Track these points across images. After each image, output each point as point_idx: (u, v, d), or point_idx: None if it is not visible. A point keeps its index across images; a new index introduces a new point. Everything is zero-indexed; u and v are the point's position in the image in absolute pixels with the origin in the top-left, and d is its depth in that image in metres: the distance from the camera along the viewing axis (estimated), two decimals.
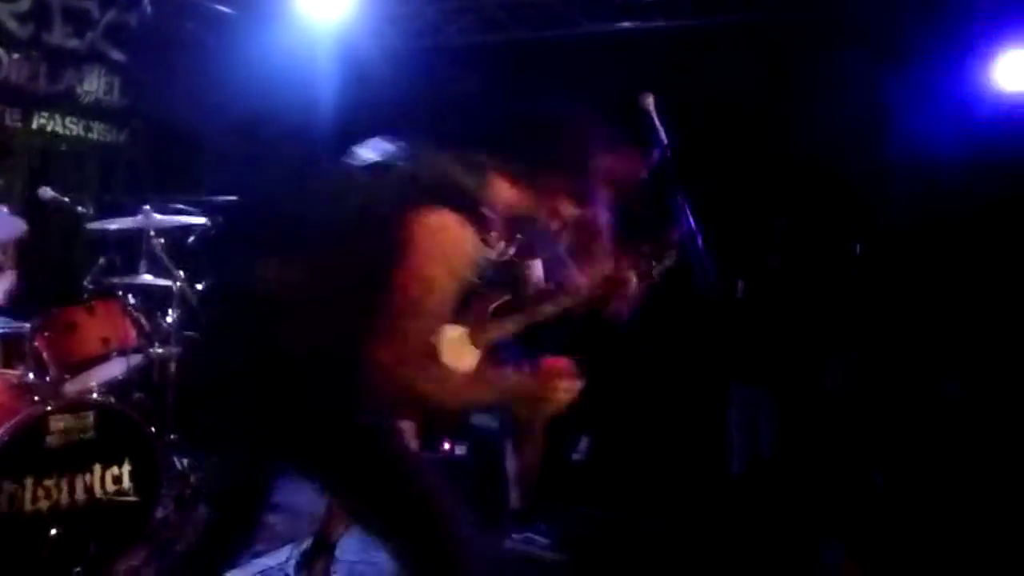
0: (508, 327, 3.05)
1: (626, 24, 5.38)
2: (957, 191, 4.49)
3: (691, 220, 3.06)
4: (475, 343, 2.97)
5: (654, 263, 3.22)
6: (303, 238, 1.87)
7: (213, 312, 1.95)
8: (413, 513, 1.81)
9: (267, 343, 1.78)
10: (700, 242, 3.06)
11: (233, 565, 2.23)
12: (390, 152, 1.95)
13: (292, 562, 2.97)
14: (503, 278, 2.95)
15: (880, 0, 4.71)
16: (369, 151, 1.98)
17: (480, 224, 1.81)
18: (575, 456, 4.94)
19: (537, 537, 3.50)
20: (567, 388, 1.91)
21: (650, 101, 2.92)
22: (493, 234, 1.89)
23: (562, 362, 1.96)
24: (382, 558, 3.17)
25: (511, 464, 3.46)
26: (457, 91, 5.45)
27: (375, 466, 1.83)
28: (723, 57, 4.98)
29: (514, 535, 3.50)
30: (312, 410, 1.79)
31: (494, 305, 3.04)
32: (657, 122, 2.91)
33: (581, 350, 3.88)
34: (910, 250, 4.69)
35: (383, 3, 5.54)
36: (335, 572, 3.01)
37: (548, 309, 3.07)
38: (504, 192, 1.92)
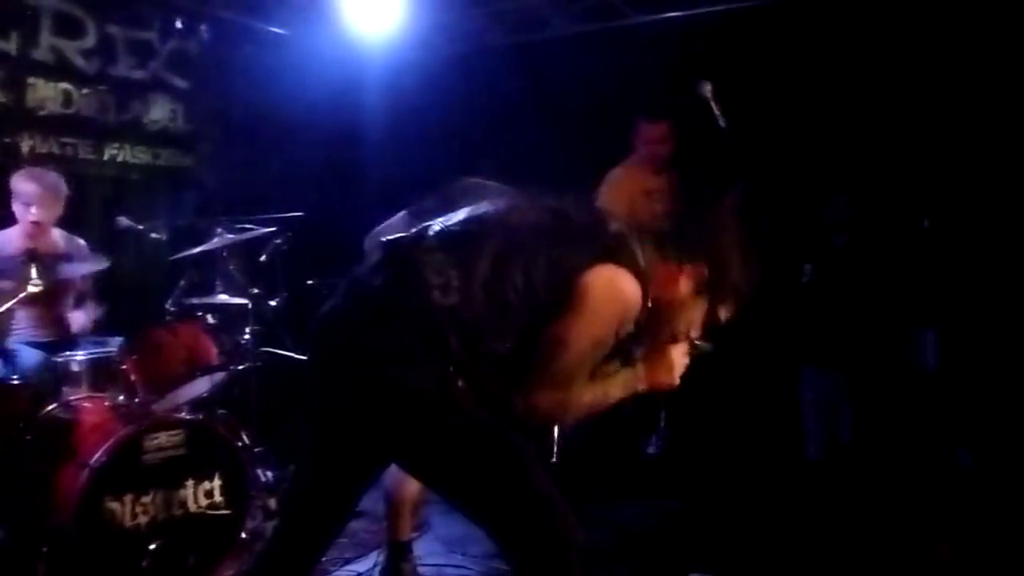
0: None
1: (673, 13, 5.34)
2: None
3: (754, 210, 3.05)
4: None
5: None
6: (480, 260, 1.89)
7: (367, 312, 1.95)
8: (528, 516, 1.83)
9: (438, 350, 1.83)
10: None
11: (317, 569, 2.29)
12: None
13: (378, 568, 3.03)
14: None
15: None
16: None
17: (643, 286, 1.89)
18: (649, 450, 4.92)
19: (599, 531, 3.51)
20: (680, 362, 2.06)
21: (708, 89, 2.92)
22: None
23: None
24: (469, 560, 3.26)
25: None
26: (506, 92, 5.47)
27: (494, 464, 1.86)
28: (770, 39, 4.91)
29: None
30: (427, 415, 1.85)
31: None
32: (716, 110, 2.91)
33: None
34: (980, 222, 4.56)
35: (429, 12, 5.59)
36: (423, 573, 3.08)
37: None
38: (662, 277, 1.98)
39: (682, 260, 2.00)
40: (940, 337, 4.49)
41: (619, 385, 2.03)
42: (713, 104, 2.91)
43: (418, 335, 1.83)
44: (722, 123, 2.90)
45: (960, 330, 4.45)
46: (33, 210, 3.50)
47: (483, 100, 5.59)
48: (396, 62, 5.76)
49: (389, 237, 2.03)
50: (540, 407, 1.87)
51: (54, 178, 3.65)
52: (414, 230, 2.01)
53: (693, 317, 2.05)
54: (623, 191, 4.32)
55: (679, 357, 2.07)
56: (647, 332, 2.04)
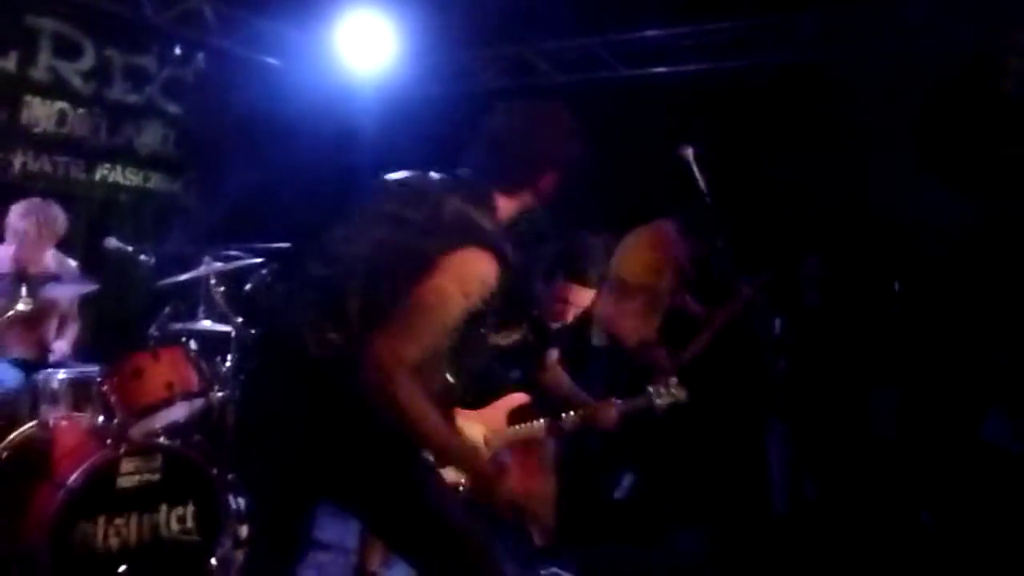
0: (523, 433, 2.98)
1: (660, 69, 5.49)
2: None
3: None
4: (487, 444, 2.90)
5: None
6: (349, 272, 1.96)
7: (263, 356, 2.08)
8: (451, 548, 1.93)
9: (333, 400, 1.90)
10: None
11: None
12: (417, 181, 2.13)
13: None
14: (521, 360, 3.02)
15: None
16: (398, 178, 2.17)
17: (503, 260, 1.95)
18: (617, 494, 4.98)
19: (562, 572, 3.56)
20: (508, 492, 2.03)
21: (690, 152, 3.04)
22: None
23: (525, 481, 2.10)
24: None
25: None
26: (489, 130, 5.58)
27: (416, 503, 1.95)
28: (750, 99, 5.08)
29: (541, 571, 3.56)
30: (360, 446, 1.92)
31: (514, 405, 2.98)
32: (697, 172, 3.02)
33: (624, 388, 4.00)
34: (950, 286, 4.71)
35: (421, 52, 5.73)
36: None
37: (573, 420, 3.02)
38: (504, 206, 2.08)
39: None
40: (903, 397, 4.63)
41: (457, 444, 2.15)
42: (694, 167, 3.02)
43: (315, 390, 1.92)
44: (703, 185, 3.01)
45: (922, 391, 4.59)
46: (19, 247, 3.58)
47: (470, 137, 5.68)
48: (386, 97, 5.87)
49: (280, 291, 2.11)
50: (375, 352, 1.84)
51: (54, 213, 3.70)
52: (294, 284, 2.11)
53: None
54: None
55: (508, 490, 2.06)
56: None
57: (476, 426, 2.85)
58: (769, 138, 4.98)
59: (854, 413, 4.60)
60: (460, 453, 2.11)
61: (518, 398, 2.98)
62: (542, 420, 2.98)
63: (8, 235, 3.65)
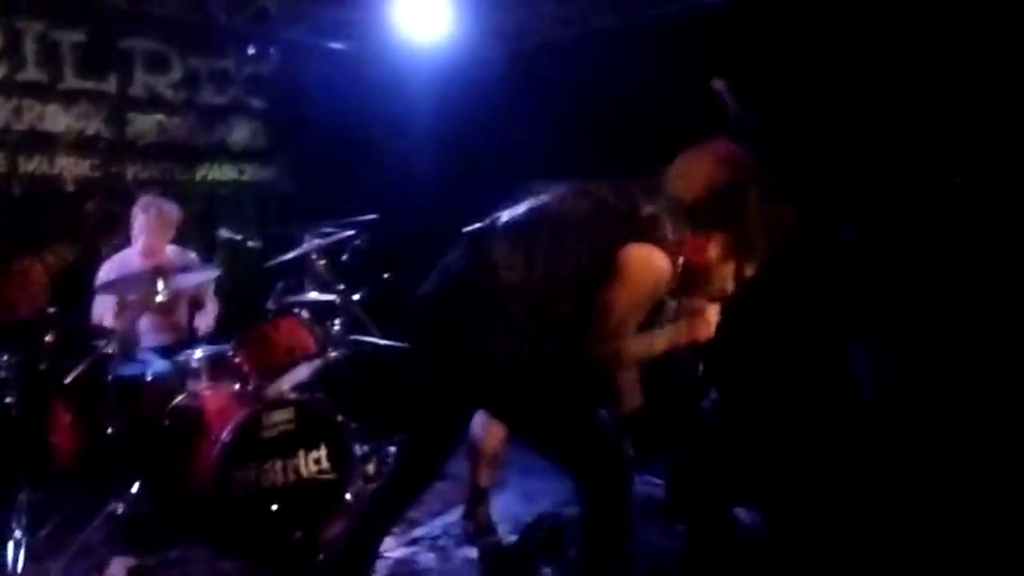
0: None
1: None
2: None
3: None
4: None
5: None
6: (538, 243, 2.36)
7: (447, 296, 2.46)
8: (591, 445, 2.34)
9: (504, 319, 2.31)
10: None
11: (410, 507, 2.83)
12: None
13: (443, 537, 3.50)
14: None
15: None
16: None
17: (674, 257, 2.32)
18: (705, 404, 5.24)
19: (654, 479, 3.89)
20: (713, 317, 2.48)
21: (721, 84, 3.27)
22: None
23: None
24: (541, 510, 3.70)
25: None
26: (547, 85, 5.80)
27: (564, 406, 2.37)
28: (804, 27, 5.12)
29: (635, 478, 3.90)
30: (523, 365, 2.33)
31: None
32: (732, 103, 3.24)
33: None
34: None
35: (472, 20, 5.96)
36: (501, 522, 3.54)
37: None
38: (693, 246, 2.38)
39: (710, 230, 2.39)
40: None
41: (663, 338, 2.46)
42: (727, 98, 3.24)
43: (490, 306, 2.32)
44: (736, 114, 3.22)
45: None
46: (146, 238, 4.11)
47: (531, 93, 5.94)
48: (446, 63, 6.10)
49: (468, 229, 2.50)
50: (594, 358, 2.31)
51: (168, 205, 4.23)
52: (486, 222, 2.48)
53: (724, 277, 2.46)
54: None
55: (713, 315, 2.50)
56: (686, 293, 2.47)
57: None
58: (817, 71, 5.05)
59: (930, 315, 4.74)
60: (668, 343, 2.47)
61: None
62: None
63: (134, 232, 4.18)
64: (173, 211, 4.22)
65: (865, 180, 4.90)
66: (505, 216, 2.46)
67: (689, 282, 2.43)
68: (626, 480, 2.38)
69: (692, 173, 2.38)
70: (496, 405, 2.51)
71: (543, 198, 2.47)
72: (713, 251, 2.40)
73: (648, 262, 2.28)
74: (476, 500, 3.41)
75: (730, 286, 2.48)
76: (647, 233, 2.30)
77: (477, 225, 2.50)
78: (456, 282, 2.42)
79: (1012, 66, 4.44)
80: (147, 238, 4.13)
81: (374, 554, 2.75)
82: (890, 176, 4.82)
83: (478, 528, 3.41)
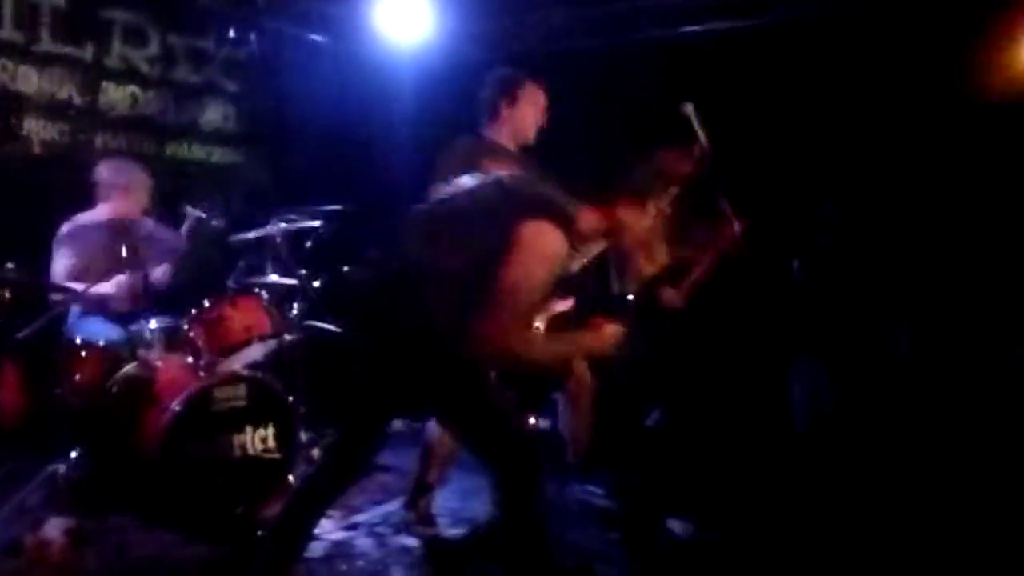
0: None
1: (689, 28, 5.74)
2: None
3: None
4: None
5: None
6: (445, 228, 2.50)
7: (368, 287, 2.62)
8: (500, 431, 2.47)
9: (413, 306, 2.41)
10: None
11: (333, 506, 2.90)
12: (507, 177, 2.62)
13: (382, 525, 3.57)
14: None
15: None
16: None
17: (570, 235, 2.43)
18: (648, 423, 5.38)
19: (594, 488, 3.98)
20: (612, 334, 2.59)
21: (690, 108, 3.40)
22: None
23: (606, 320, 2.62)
24: (479, 506, 3.78)
25: (565, 426, 4.00)
26: None
27: (477, 394, 2.48)
28: (774, 54, 5.37)
29: (574, 487, 3.98)
30: (439, 354, 2.41)
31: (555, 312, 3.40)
32: (697, 127, 3.38)
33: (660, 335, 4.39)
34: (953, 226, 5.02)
35: (461, 20, 6.08)
36: (440, 515, 3.61)
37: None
38: (589, 218, 2.55)
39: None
40: (912, 328, 4.98)
41: (565, 345, 2.63)
42: (695, 122, 3.38)
43: (417, 294, 2.42)
44: (703, 139, 3.36)
45: (930, 322, 4.94)
46: (113, 198, 4.10)
47: None
48: (425, 66, 6.21)
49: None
50: (489, 333, 2.34)
51: (138, 170, 4.24)
52: (409, 212, 2.62)
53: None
54: None
55: (611, 332, 2.60)
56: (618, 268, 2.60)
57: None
58: (790, 94, 5.28)
59: (868, 344, 4.95)
60: (568, 351, 2.65)
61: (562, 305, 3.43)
62: None
63: (100, 192, 4.15)
64: (143, 176, 4.23)
65: (815, 210, 5.15)
66: (424, 205, 2.63)
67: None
68: (534, 470, 2.48)
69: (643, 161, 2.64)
70: (420, 393, 2.56)
71: (459, 187, 2.61)
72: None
73: (538, 236, 2.37)
74: (420, 493, 3.49)
75: (647, 270, 2.62)
76: (540, 211, 2.41)
77: (402, 215, 2.63)
78: (384, 272, 2.56)
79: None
80: (114, 199, 4.12)
81: (307, 535, 2.78)
82: (846, 203, 5.07)
83: (419, 519, 3.49)
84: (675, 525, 3.63)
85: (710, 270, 4.48)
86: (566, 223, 2.43)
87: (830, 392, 4.96)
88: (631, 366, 4.56)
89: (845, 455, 4.53)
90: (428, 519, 3.51)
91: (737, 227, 3.97)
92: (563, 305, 3.45)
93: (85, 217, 4.14)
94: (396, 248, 2.56)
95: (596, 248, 2.96)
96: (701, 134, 3.38)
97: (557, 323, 3.40)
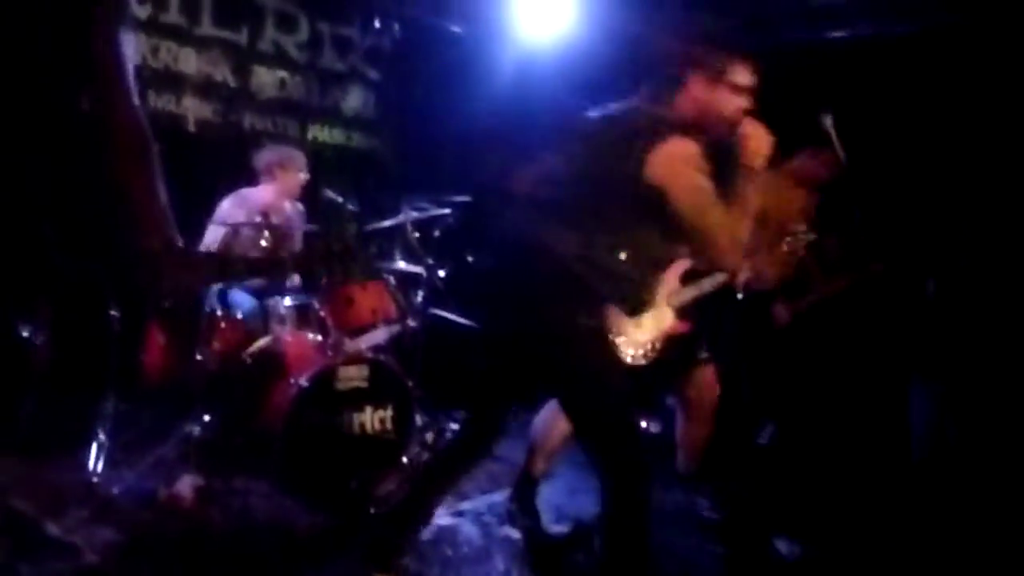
0: (698, 289, 3.35)
1: (836, 34, 5.59)
2: None
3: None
4: (670, 304, 3.28)
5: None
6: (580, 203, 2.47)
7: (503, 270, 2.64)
8: (617, 426, 2.48)
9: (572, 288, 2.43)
10: None
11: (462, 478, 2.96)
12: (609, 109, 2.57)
13: (487, 514, 3.64)
14: None
15: None
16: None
17: (692, 135, 2.40)
18: (760, 440, 5.29)
19: (700, 499, 3.95)
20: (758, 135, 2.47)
21: (829, 120, 3.31)
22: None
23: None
24: (584, 503, 3.81)
25: (680, 433, 3.96)
26: None
27: (601, 382, 2.49)
28: (922, 63, 5.15)
29: (679, 495, 3.93)
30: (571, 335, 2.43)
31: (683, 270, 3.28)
32: (836, 140, 3.28)
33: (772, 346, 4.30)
34: None
35: (598, 18, 6.08)
36: (544, 510, 3.66)
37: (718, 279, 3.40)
38: (686, 104, 2.48)
39: None
40: None
41: (742, 184, 2.43)
42: (833, 135, 3.28)
43: (552, 288, 2.44)
44: (841, 153, 3.26)
45: None
46: (279, 184, 4.35)
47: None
48: (562, 61, 6.25)
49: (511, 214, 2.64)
50: (726, 260, 2.44)
51: (304, 165, 4.49)
52: (523, 205, 2.62)
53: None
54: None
55: (760, 131, 2.46)
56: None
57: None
58: (934, 102, 5.06)
59: (1002, 373, 4.71)
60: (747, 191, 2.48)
61: (683, 263, 3.31)
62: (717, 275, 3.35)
63: (266, 178, 4.39)
64: (303, 161, 4.48)
65: (956, 227, 4.91)
66: (535, 194, 2.60)
67: (706, 128, 2.49)
68: (645, 480, 2.48)
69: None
70: (551, 380, 2.60)
71: (558, 164, 2.58)
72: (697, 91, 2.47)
73: (668, 156, 2.35)
74: (525, 486, 3.54)
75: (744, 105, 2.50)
76: (652, 136, 2.37)
77: (515, 210, 2.65)
78: (517, 260, 2.57)
79: None
80: (282, 188, 4.37)
81: (425, 518, 2.90)
82: (982, 225, 4.81)
83: (523, 512, 3.54)
84: (781, 545, 3.57)
85: (834, 293, 4.35)
86: (681, 128, 2.40)
87: (953, 420, 4.74)
88: (748, 380, 4.50)
89: (963, 487, 4.32)
90: (533, 512, 3.56)
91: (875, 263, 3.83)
92: (679, 327, 3.41)
93: (243, 195, 4.38)
94: (522, 239, 2.56)
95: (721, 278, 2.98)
96: (838, 146, 3.29)
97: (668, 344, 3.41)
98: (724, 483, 4.13)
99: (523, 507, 3.54)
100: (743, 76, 2.47)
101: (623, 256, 2.44)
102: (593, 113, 2.60)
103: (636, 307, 2.64)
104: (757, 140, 2.45)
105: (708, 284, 3.34)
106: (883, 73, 5.16)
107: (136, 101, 1.67)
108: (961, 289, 4.83)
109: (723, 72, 2.45)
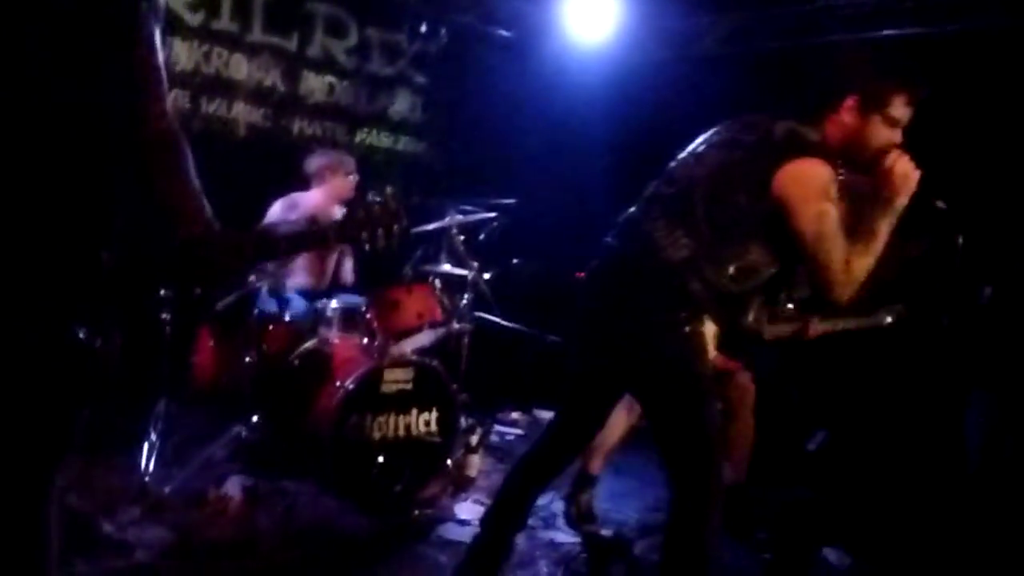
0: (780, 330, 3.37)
1: (886, 32, 5.49)
2: None
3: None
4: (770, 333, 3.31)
5: None
6: (695, 210, 2.36)
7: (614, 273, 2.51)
8: (701, 451, 2.36)
9: (677, 299, 2.33)
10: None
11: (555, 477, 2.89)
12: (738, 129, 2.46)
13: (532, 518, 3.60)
14: None
15: None
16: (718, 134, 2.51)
17: (830, 160, 2.31)
18: (811, 446, 5.21)
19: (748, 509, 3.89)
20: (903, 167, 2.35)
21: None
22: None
23: None
24: (629, 510, 3.79)
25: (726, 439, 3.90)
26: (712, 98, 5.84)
27: (694, 403, 2.38)
28: (977, 63, 5.04)
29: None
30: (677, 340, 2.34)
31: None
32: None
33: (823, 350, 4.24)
34: None
35: (644, 20, 6.07)
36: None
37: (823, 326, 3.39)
38: (834, 128, 2.36)
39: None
40: None
41: (881, 224, 2.33)
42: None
43: (657, 291, 2.35)
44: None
45: None
46: (331, 190, 4.44)
47: (688, 102, 5.98)
48: (611, 64, 6.23)
49: (625, 214, 2.55)
50: (835, 293, 2.30)
51: (349, 161, 4.56)
52: (640, 204, 2.52)
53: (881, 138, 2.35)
54: None
55: (903, 160, 2.34)
56: (859, 169, 2.40)
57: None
58: (984, 103, 4.95)
59: None
60: (883, 228, 2.36)
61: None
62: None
63: (316, 182, 4.45)
64: (352, 166, 4.54)
65: (1013, 233, 4.78)
66: (654, 192, 2.50)
67: (850, 157, 2.40)
68: (717, 501, 2.36)
69: None
70: (641, 385, 2.50)
71: (681, 165, 2.49)
72: (849, 117, 2.36)
73: (800, 175, 2.26)
74: (582, 486, 3.49)
75: (896, 139, 2.38)
76: (788, 151, 2.29)
77: (632, 209, 2.54)
78: (617, 268, 2.48)
79: None
80: (332, 191, 4.43)
81: (525, 515, 2.88)
82: None
83: (580, 514, 3.49)
84: (831, 554, 3.50)
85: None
86: (814, 148, 2.31)
87: (1011, 431, 4.61)
88: (797, 385, 4.42)
89: (1020, 498, 4.20)
90: (591, 514, 3.50)
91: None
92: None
93: (293, 200, 4.43)
94: (626, 246, 2.48)
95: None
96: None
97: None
98: (774, 491, 4.08)
99: (579, 511, 3.49)
100: (900, 110, 2.36)
101: (732, 270, 2.35)
102: (730, 123, 2.50)
103: (728, 323, 2.51)
104: (903, 176, 2.34)
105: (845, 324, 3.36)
106: (932, 72, 5.04)
107: (168, 104, 1.69)
108: (1017, 296, 4.71)
109: (882, 103, 2.35)
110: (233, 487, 3.43)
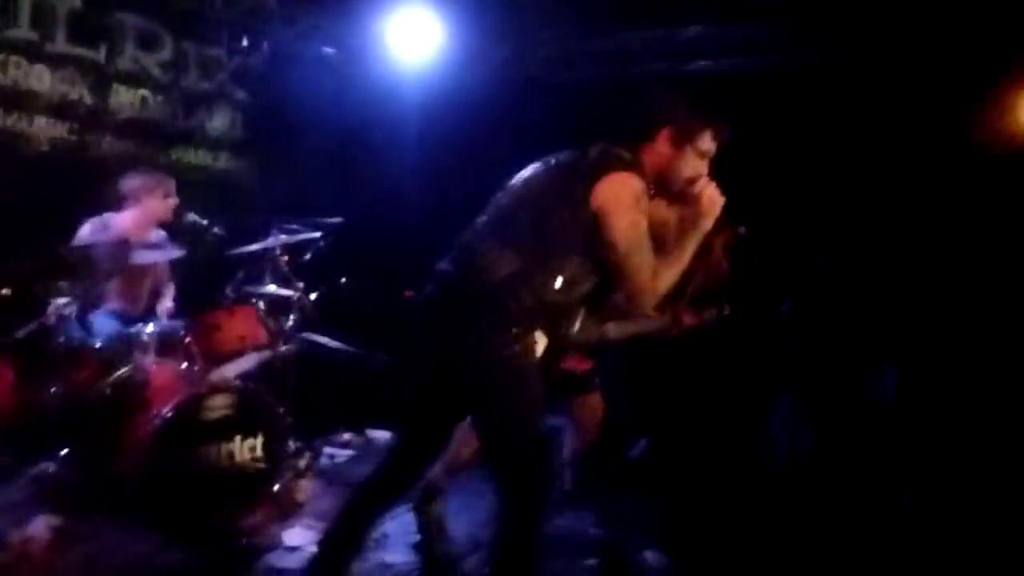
0: (598, 333, 3.53)
1: (701, 63, 5.88)
2: None
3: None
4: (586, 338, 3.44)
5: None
6: (521, 228, 2.52)
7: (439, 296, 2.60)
8: (524, 441, 2.47)
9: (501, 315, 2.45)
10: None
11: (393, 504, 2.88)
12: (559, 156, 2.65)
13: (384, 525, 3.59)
14: None
15: None
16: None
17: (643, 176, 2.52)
18: (633, 453, 5.44)
19: (586, 515, 4.04)
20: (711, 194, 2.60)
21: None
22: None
23: None
24: (463, 526, 3.81)
25: (568, 451, 4.05)
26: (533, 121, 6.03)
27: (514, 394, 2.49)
28: (783, 96, 5.49)
29: (566, 513, 4.03)
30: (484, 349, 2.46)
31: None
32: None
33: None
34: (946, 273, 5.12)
35: (467, 44, 6.19)
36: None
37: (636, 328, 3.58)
38: (650, 156, 2.58)
39: None
40: (900, 373, 5.05)
41: (688, 242, 2.56)
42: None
43: (487, 312, 2.46)
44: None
45: (918, 367, 5.01)
46: (145, 211, 4.23)
47: (509, 125, 6.16)
48: (431, 85, 6.29)
49: (458, 238, 2.64)
50: (642, 300, 2.51)
51: (166, 180, 4.37)
52: (470, 228, 2.63)
53: (690, 167, 2.59)
54: None
55: (711, 188, 2.60)
56: (664, 193, 2.62)
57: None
58: (791, 137, 5.39)
59: (852, 386, 5.03)
60: (688, 246, 2.59)
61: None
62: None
63: (131, 203, 4.22)
64: (171, 186, 4.34)
65: (810, 255, 5.24)
66: (484, 216, 2.63)
67: (663, 183, 2.62)
68: (542, 510, 2.50)
69: None
70: (470, 399, 2.59)
71: (509, 190, 2.65)
72: (663, 147, 2.59)
73: (614, 187, 2.46)
74: (429, 497, 3.50)
75: (703, 170, 2.62)
76: (604, 166, 2.49)
77: (464, 232, 2.64)
78: (449, 294, 2.57)
79: None
80: (148, 213, 4.23)
81: (360, 541, 2.83)
82: (831, 254, 5.16)
83: (428, 524, 3.50)
84: (649, 556, 3.67)
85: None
86: (630, 165, 2.52)
87: (808, 432, 5.02)
88: (620, 396, 4.62)
89: (817, 495, 4.57)
90: (440, 525, 3.52)
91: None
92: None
93: (104, 221, 4.20)
94: (454, 267, 2.58)
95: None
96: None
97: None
98: (603, 499, 4.23)
99: (428, 519, 3.49)
100: (708, 144, 2.61)
101: (558, 282, 2.50)
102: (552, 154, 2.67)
103: (556, 334, 2.65)
104: (710, 201, 2.57)
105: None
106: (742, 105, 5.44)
107: None
108: (812, 310, 5.16)
109: (693, 136, 2.58)
110: (39, 528, 3.20)
